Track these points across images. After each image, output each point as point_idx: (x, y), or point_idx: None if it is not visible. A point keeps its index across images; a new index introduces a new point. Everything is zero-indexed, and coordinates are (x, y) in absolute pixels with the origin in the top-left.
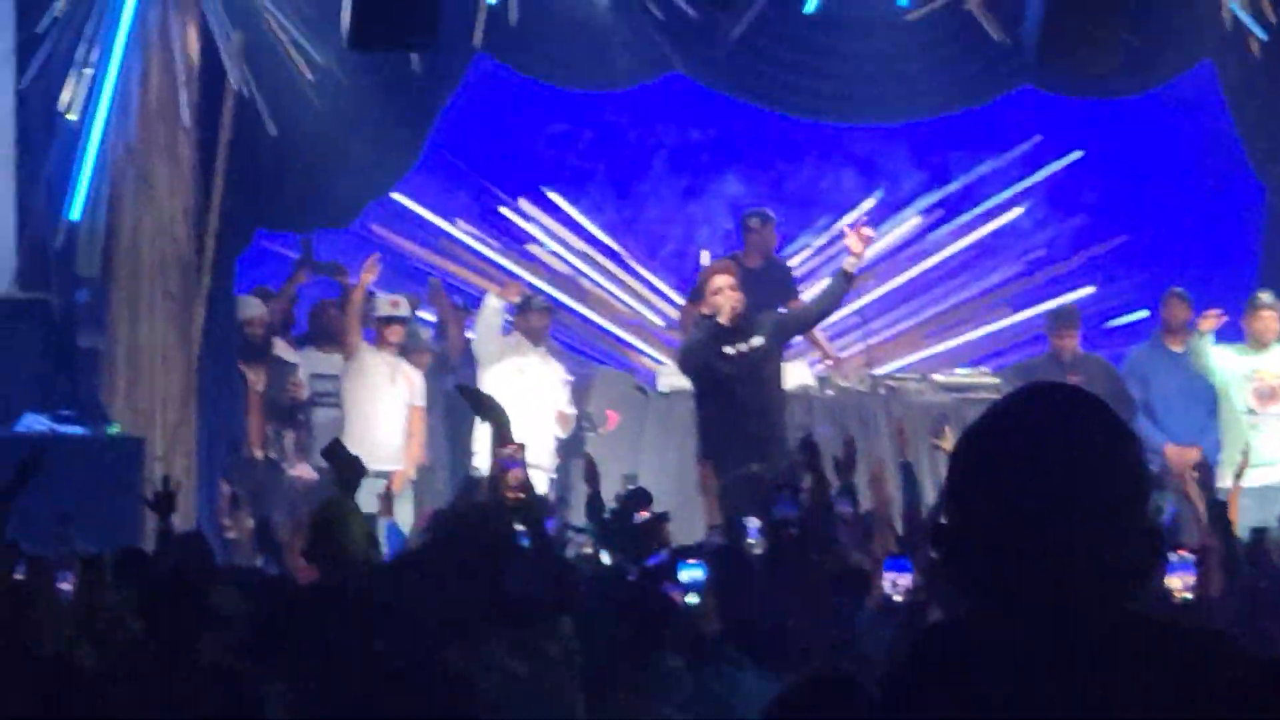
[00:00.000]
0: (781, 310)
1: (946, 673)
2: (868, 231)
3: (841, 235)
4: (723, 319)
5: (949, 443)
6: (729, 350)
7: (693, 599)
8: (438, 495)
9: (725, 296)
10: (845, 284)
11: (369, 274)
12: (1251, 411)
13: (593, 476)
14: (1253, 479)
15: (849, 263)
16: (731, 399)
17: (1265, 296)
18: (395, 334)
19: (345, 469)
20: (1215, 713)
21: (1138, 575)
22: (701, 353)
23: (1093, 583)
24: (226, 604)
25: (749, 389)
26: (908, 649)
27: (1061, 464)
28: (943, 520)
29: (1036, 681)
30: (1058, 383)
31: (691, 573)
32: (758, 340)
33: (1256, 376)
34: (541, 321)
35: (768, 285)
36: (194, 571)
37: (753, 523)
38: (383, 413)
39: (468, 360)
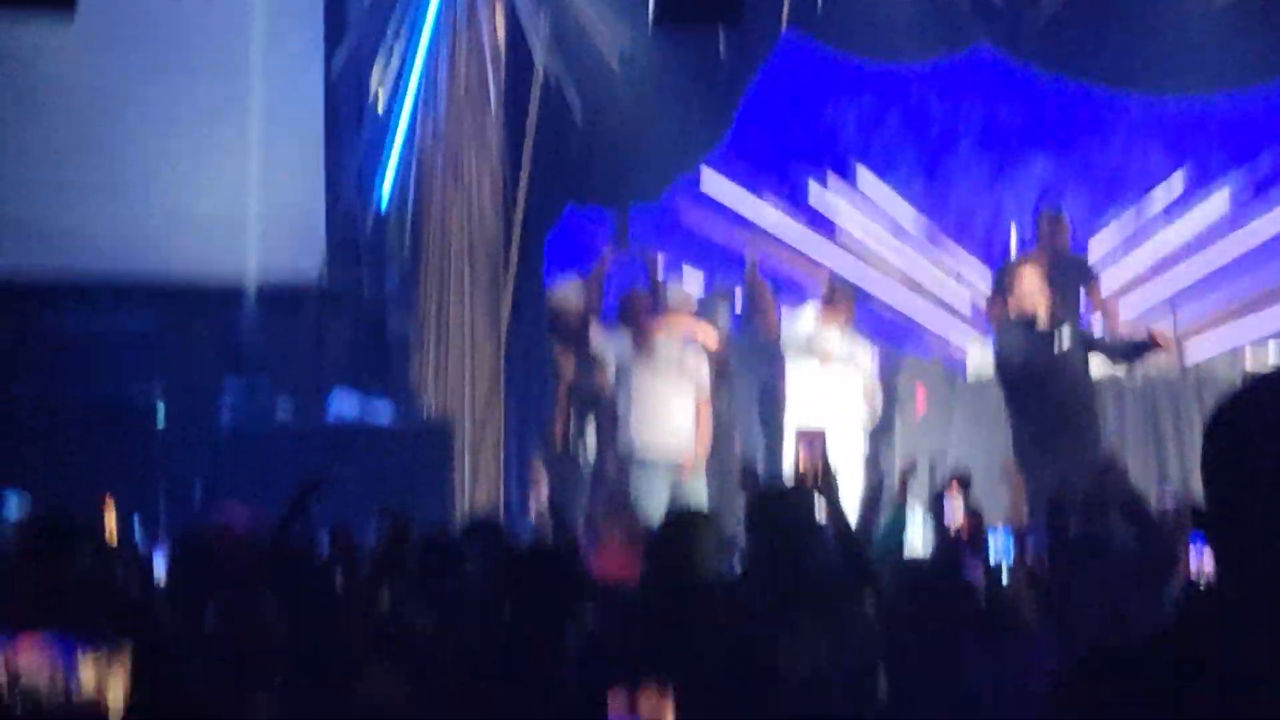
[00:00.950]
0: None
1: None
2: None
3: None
4: (1040, 324)
5: None
6: (1042, 352)
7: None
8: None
9: (1037, 299)
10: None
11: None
12: None
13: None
14: None
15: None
16: (1042, 402)
17: None
18: (686, 322)
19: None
20: None
21: None
22: (1015, 357)
23: None
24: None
25: (1058, 391)
26: (1175, 616)
27: None
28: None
29: None
30: None
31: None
32: (1068, 344)
33: None
34: (846, 309)
35: (1071, 279)
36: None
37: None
38: (671, 402)
39: (771, 349)
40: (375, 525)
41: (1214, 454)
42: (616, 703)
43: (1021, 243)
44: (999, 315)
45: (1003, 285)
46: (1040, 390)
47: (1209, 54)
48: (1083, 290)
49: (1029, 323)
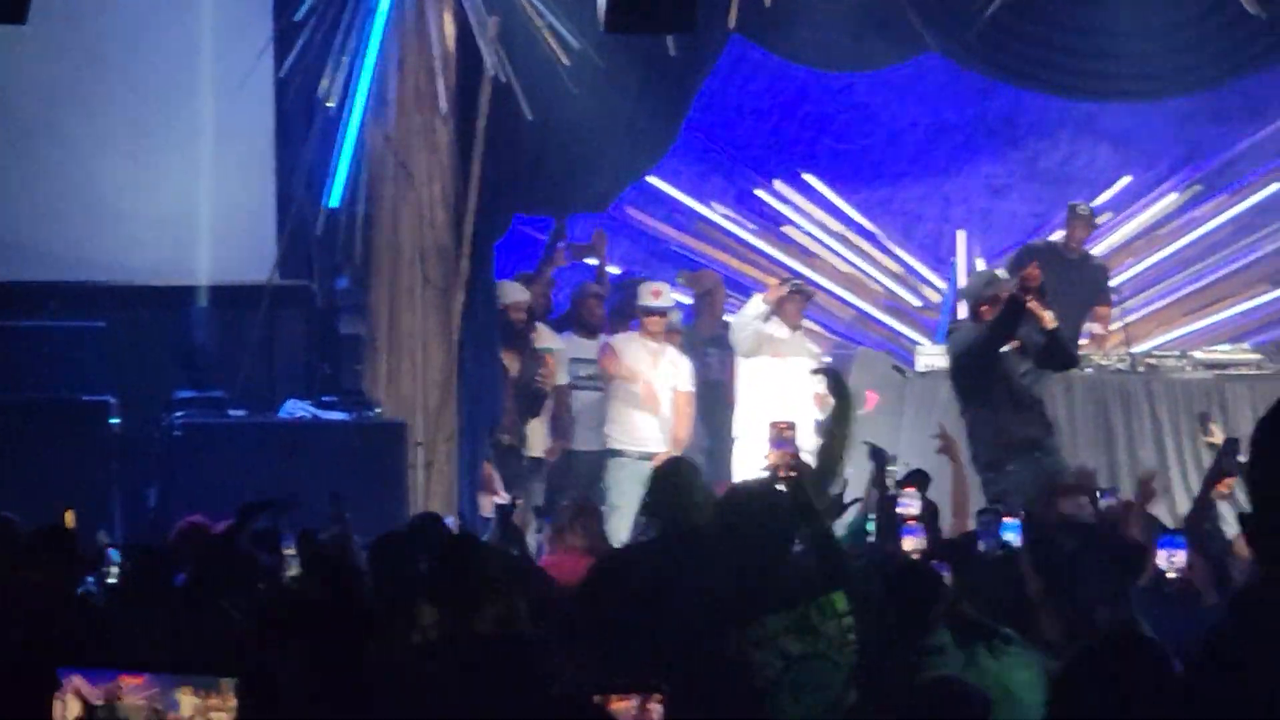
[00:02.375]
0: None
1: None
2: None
3: (1097, 214)
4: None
5: (1218, 437)
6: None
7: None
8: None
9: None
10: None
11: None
12: None
13: (879, 456)
14: None
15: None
16: (1002, 389)
17: None
18: (655, 324)
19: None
20: None
21: None
22: (986, 351)
23: None
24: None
25: (1023, 382)
26: (1225, 614)
27: None
28: (1247, 504)
29: None
30: None
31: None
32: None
33: None
34: (797, 305)
35: (1081, 283)
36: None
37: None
38: (645, 395)
39: (719, 344)
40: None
41: (1261, 460)
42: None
43: (970, 235)
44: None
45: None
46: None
47: (1154, 61)
48: (1095, 296)
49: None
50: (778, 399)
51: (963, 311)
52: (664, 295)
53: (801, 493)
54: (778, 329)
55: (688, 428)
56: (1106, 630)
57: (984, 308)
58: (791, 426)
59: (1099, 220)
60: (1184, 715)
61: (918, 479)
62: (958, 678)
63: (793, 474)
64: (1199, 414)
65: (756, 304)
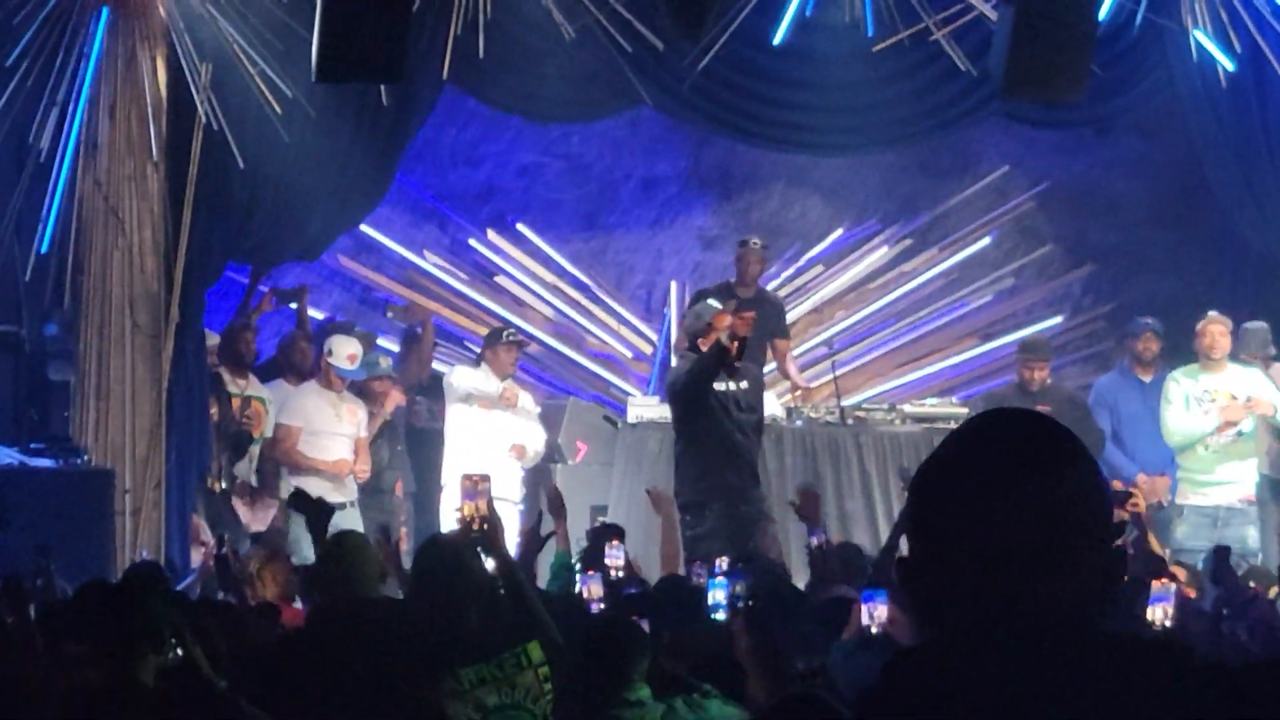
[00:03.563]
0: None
1: (916, 698)
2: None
3: (809, 266)
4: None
5: None
6: (719, 387)
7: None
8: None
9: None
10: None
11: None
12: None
13: (557, 508)
14: (1210, 498)
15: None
16: (717, 433)
17: (1212, 313)
18: (341, 384)
19: (314, 514)
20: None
21: (1102, 596)
22: (694, 384)
23: (1057, 605)
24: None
25: (733, 427)
26: (879, 674)
27: (1022, 488)
28: (903, 551)
29: (1005, 704)
30: (1016, 409)
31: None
32: (745, 384)
33: (1209, 396)
34: (510, 355)
35: (760, 318)
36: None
37: (722, 563)
38: (329, 446)
39: (428, 391)
40: (33, 563)
41: (920, 502)
42: None
43: (681, 287)
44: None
45: (704, 324)
46: (715, 419)
47: (864, 115)
48: (774, 329)
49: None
50: (481, 450)
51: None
52: (357, 360)
53: (494, 545)
54: (487, 380)
55: (366, 467)
56: (792, 690)
57: (700, 340)
58: (485, 479)
59: (811, 274)
60: None
61: (616, 531)
62: None
63: (485, 526)
64: (899, 468)
65: (468, 368)
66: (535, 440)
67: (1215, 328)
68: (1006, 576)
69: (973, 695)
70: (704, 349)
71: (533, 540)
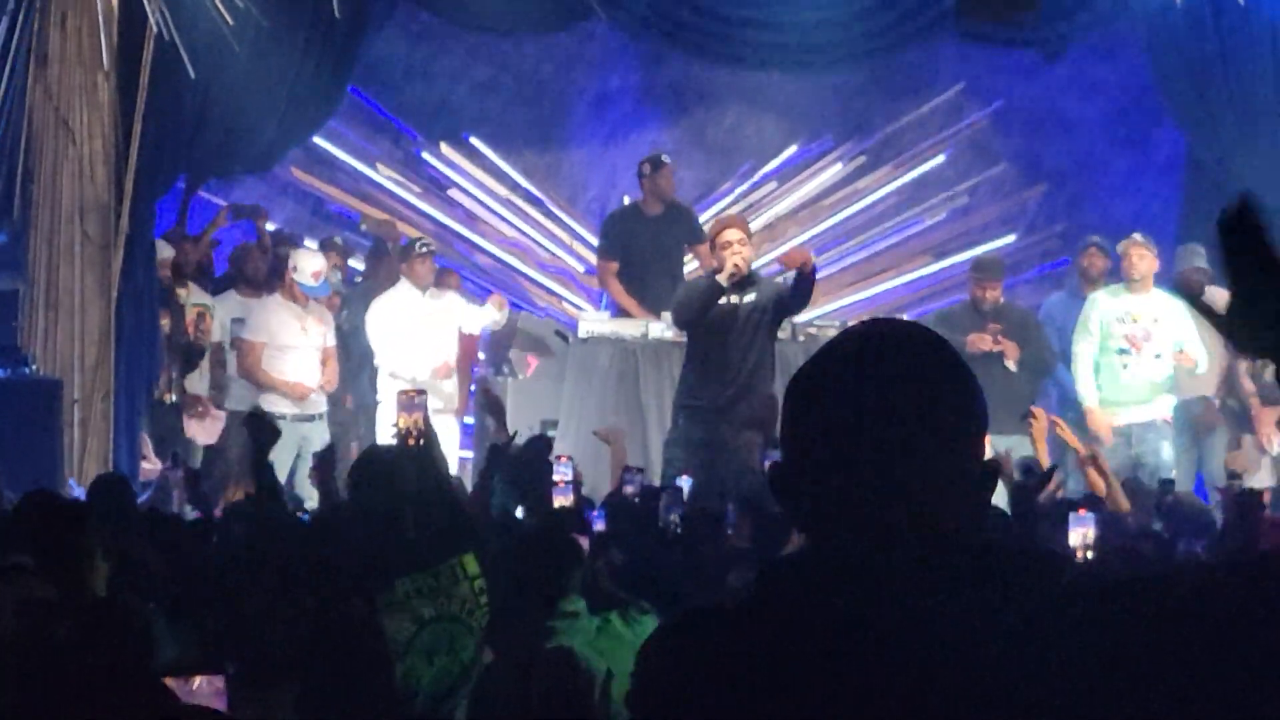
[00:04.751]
0: (781, 285)
1: (784, 603)
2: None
3: (763, 183)
4: (722, 278)
5: None
6: (721, 301)
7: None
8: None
9: (735, 251)
10: (807, 282)
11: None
12: (1123, 351)
13: (496, 410)
14: (1124, 417)
15: (804, 269)
16: (710, 347)
17: (1136, 235)
18: (305, 297)
19: (263, 435)
20: (1052, 630)
21: (972, 505)
22: (697, 305)
23: (925, 513)
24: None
25: (728, 343)
26: (755, 581)
27: (892, 395)
28: (777, 459)
29: (872, 611)
30: (892, 318)
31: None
32: (750, 298)
33: (1130, 317)
34: (425, 265)
35: (671, 229)
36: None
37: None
38: (295, 359)
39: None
40: None
41: (792, 409)
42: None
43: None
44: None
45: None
46: (717, 334)
47: (820, 33)
48: (689, 237)
49: (715, 277)
50: (421, 360)
51: None
52: (321, 276)
53: (429, 457)
54: (407, 292)
55: (334, 377)
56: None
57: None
58: (422, 393)
59: (765, 190)
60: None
61: (548, 443)
62: (570, 650)
63: (421, 440)
64: None
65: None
66: (473, 320)
67: (1135, 250)
68: (876, 484)
69: (837, 604)
70: (713, 262)
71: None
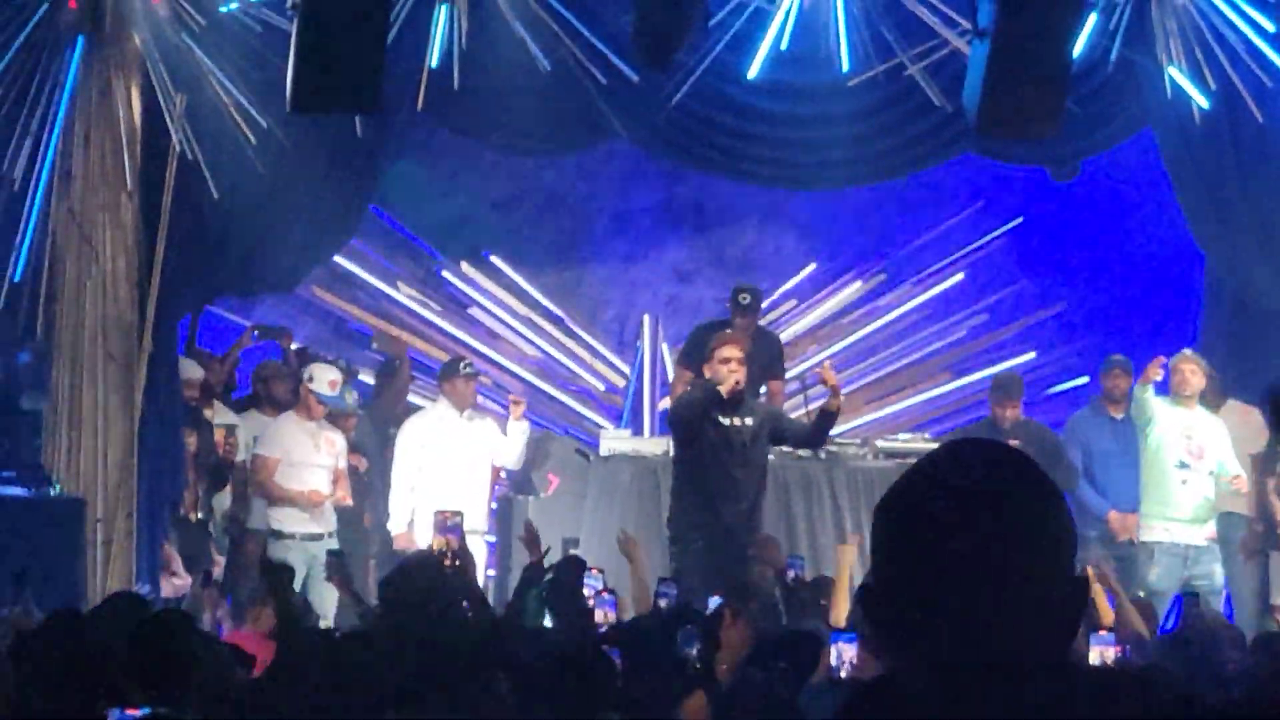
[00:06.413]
0: (776, 411)
1: None
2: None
3: (782, 301)
4: (724, 389)
5: None
6: (723, 420)
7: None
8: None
9: (732, 369)
10: (832, 420)
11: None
12: (1183, 465)
13: (533, 542)
14: (1182, 536)
15: (832, 403)
16: (714, 467)
17: (1186, 350)
18: (321, 411)
19: (276, 579)
20: None
21: (1065, 627)
22: (697, 413)
23: (1020, 636)
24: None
25: (733, 463)
26: (841, 707)
27: (986, 518)
28: (868, 581)
29: None
30: (981, 439)
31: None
32: (750, 420)
33: (1189, 432)
34: (468, 386)
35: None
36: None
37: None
38: (307, 476)
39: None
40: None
41: (884, 532)
42: None
43: (654, 321)
44: (684, 376)
45: (705, 352)
46: (712, 453)
47: (838, 150)
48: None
49: (716, 388)
50: (455, 484)
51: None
52: (338, 386)
53: (464, 578)
54: (445, 412)
55: (348, 497)
56: None
57: (704, 366)
58: (458, 514)
59: (785, 308)
60: None
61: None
62: None
63: (456, 561)
64: (876, 482)
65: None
66: (506, 455)
67: (1187, 365)
68: (970, 606)
69: None
70: (707, 375)
71: (536, 572)
